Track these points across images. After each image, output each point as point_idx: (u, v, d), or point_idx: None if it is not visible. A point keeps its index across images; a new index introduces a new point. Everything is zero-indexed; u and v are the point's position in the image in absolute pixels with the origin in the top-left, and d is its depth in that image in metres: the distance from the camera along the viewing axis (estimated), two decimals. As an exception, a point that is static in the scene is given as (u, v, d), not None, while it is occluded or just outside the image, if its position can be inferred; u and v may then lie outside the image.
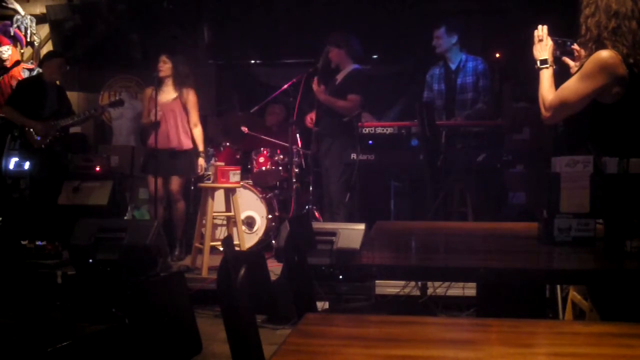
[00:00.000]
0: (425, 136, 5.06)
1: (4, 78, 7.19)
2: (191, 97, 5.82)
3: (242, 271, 1.56)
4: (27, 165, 6.43)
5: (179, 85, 5.81)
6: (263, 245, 6.05)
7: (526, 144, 6.11)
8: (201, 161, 5.86)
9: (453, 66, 5.57)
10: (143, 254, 4.55)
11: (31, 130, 6.21)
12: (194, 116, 5.85)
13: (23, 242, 5.64)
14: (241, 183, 5.70)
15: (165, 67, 5.80)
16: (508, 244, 2.49)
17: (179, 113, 5.81)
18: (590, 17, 2.56)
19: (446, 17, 6.21)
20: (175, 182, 5.84)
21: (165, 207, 5.98)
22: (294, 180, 6.14)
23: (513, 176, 5.89)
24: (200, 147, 5.86)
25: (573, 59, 2.79)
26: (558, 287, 3.64)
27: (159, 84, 5.78)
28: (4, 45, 7.27)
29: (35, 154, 6.29)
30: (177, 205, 5.89)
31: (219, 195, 5.54)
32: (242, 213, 5.89)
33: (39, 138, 6.21)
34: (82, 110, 6.86)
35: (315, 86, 5.79)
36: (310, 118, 6.00)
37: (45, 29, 7.68)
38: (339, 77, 5.88)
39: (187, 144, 5.83)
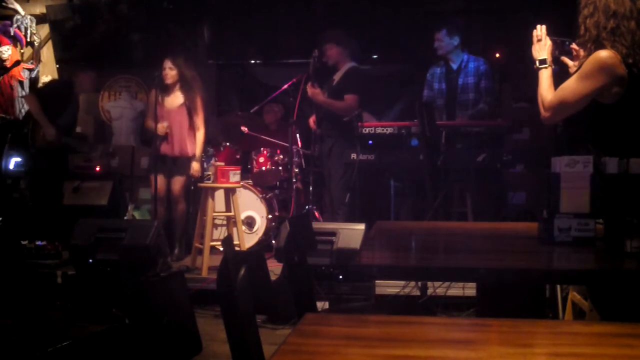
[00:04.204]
0: (425, 136, 5.06)
1: (4, 78, 7.20)
2: (197, 101, 5.76)
3: (242, 271, 1.56)
4: (27, 165, 6.43)
5: (185, 91, 5.75)
6: (263, 245, 6.05)
7: (526, 144, 6.11)
8: (195, 165, 5.78)
9: (454, 66, 5.57)
10: (143, 254, 4.55)
11: (42, 131, 6.19)
12: (198, 120, 5.78)
13: (23, 242, 5.64)
14: (241, 183, 5.70)
15: (171, 73, 5.70)
16: (508, 244, 2.49)
17: (184, 120, 5.76)
18: (589, 18, 2.55)
19: (446, 17, 6.21)
20: (177, 183, 5.83)
21: (166, 207, 5.98)
22: (294, 180, 6.14)
23: (513, 176, 5.89)
24: (197, 152, 5.79)
25: (572, 59, 2.79)
26: (558, 287, 3.64)
27: (163, 90, 5.74)
28: (4, 45, 7.27)
29: (35, 154, 6.29)
30: (177, 206, 5.89)
31: (219, 195, 5.54)
32: (242, 213, 5.89)
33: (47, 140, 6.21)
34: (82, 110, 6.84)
35: (310, 89, 5.72)
36: (313, 120, 5.99)
37: (45, 29, 7.69)
38: (337, 76, 5.84)
39: (191, 151, 5.81)
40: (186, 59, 5.92)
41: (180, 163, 5.80)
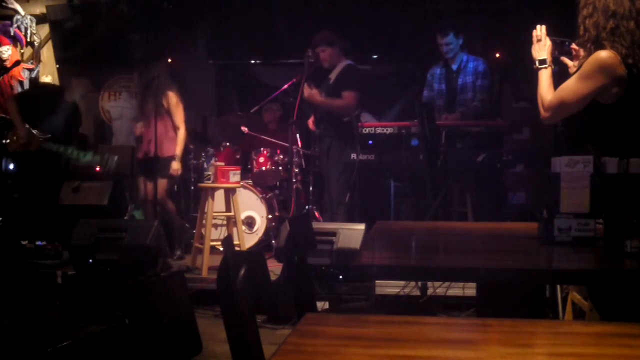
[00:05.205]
0: (425, 136, 5.06)
1: (4, 78, 7.19)
2: (167, 101, 5.77)
3: (242, 271, 1.56)
4: (26, 165, 6.42)
5: (153, 93, 5.77)
6: (263, 245, 6.05)
7: (526, 144, 6.11)
8: (173, 164, 5.75)
9: (454, 66, 5.57)
10: (143, 254, 4.55)
11: (15, 131, 6.15)
12: (176, 119, 5.79)
13: (23, 242, 5.64)
14: (241, 183, 5.70)
15: (136, 79, 5.97)
16: (508, 244, 2.49)
17: (159, 121, 5.75)
18: (589, 18, 2.55)
19: (447, 17, 6.21)
20: (159, 186, 5.81)
21: (159, 210, 5.97)
22: (294, 180, 6.14)
23: (513, 176, 5.89)
24: (177, 151, 5.77)
25: (572, 59, 2.79)
26: (558, 287, 3.64)
27: (141, 93, 5.92)
28: (4, 45, 7.26)
29: (34, 154, 6.27)
30: (166, 206, 5.89)
31: (219, 195, 5.54)
32: (242, 213, 5.89)
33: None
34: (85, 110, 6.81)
35: (307, 91, 5.69)
36: (312, 121, 5.98)
37: (45, 29, 7.68)
38: (333, 75, 5.81)
39: (170, 150, 5.78)
40: (151, 63, 6.00)
41: (160, 165, 5.77)
